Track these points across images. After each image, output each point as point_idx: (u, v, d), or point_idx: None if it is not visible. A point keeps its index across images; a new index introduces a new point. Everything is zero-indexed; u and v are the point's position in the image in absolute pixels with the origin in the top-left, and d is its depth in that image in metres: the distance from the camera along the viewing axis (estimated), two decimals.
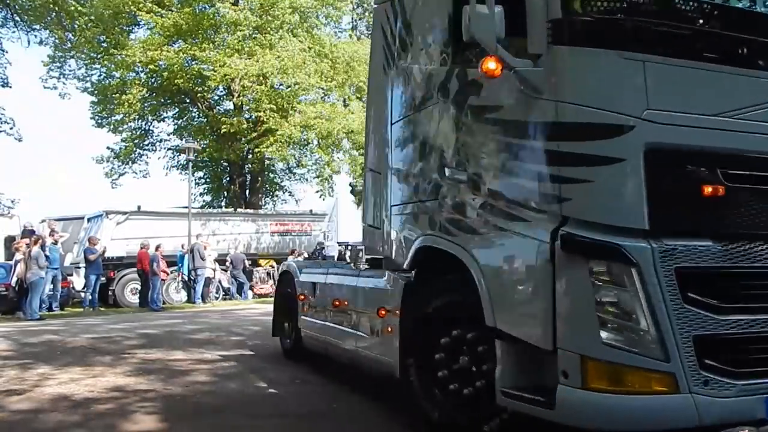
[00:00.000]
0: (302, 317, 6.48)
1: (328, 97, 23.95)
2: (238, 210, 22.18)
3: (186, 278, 17.10)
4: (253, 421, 4.42)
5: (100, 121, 24.32)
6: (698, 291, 2.84)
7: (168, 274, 16.80)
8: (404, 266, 4.27)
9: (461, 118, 3.67)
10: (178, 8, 21.43)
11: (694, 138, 2.95)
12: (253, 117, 22.75)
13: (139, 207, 17.67)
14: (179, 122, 25.65)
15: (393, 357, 4.24)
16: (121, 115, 23.37)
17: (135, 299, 16.47)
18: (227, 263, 18.58)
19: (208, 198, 27.06)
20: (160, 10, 21.06)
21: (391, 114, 4.63)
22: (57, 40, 23.19)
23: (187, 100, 24.52)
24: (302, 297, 6.50)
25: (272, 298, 19.14)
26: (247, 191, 25.58)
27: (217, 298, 17.75)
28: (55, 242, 14.34)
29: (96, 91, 23.71)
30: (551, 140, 3.04)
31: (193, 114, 25.49)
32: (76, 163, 74.05)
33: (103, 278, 15.56)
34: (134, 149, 25.11)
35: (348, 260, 21.18)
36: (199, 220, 19.09)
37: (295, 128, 20.94)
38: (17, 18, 22.32)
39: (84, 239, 16.23)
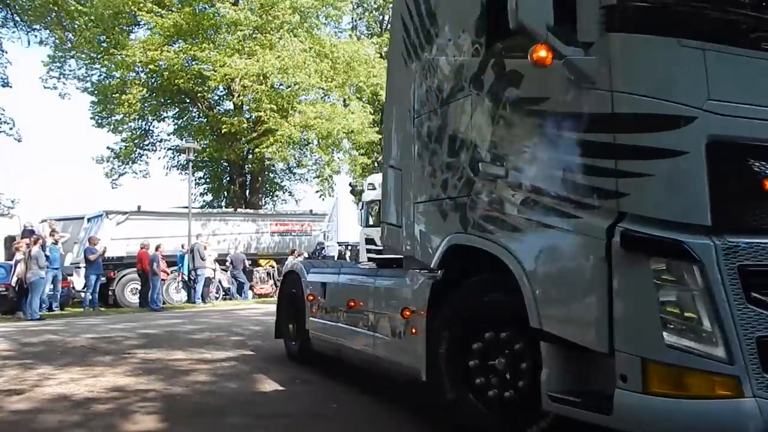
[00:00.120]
0: (311, 319, 6.28)
1: (328, 97, 23.95)
2: (238, 210, 22.19)
3: (186, 278, 17.10)
4: (253, 422, 4.41)
5: (100, 121, 24.34)
6: (762, 290, 2.71)
7: (168, 274, 16.80)
8: (431, 265, 4.10)
9: (498, 110, 3.50)
10: (178, 8, 21.43)
11: (757, 130, 2.82)
12: (253, 117, 22.76)
13: (139, 207, 17.66)
14: (179, 122, 25.69)
15: (418, 359, 4.09)
16: (121, 115, 23.38)
17: (135, 299, 16.47)
18: (227, 263, 18.59)
19: (208, 198, 27.13)
20: (160, 10, 21.06)
21: (414, 108, 4.47)
22: (57, 40, 23.22)
23: (187, 100, 24.52)
24: (311, 298, 6.29)
25: (272, 298, 19.26)
26: (247, 191, 25.59)
27: (217, 298, 17.76)
28: (56, 242, 14.35)
29: (96, 91, 23.72)
30: (606, 132, 2.89)
31: (193, 114, 25.51)
32: (76, 163, 74.12)
33: (103, 278, 15.55)
34: (134, 149, 25.12)
35: (348, 260, 21.25)
36: (199, 220, 19.10)
37: (295, 128, 20.94)
38: (17, 18, 22.32)
39: (84, 239, 16.23)
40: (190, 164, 20.34)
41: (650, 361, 2.68)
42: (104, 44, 22.45)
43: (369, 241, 16.44)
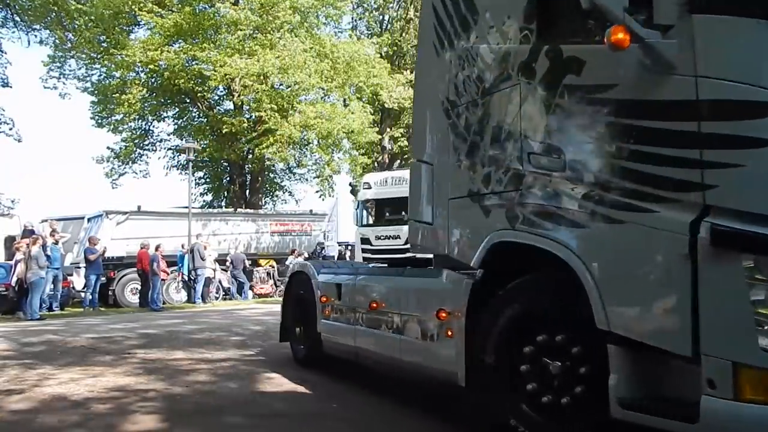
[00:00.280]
0: (323, 321, 6.03)
1: (328, 97, 23.96)
2: (239, 210, 22.19)
3: (186, 278, 17.11)
4: (253, 421, 4.41)
5: (100, 121, 24.35)
6: None
7: (168, 274, 16.81)
8: (471, 264, 3.86)
9: (554, 100, 3.28)
10: (179, 8, 21.44)
11: None
12: (254, 117, 22.77)
13: (139, 207, 17.67)
14: (179, 122, 25.71)
15: (455, 364, 3.88)
16: (121, 115, 23.39)
17: (135, 299, 16.48)
18: (227, 263, 18.60)
19: (208, 198, 27.15)
20: (160, 10, 21.07)
21: (448, 99, 4.23)
22: (57, 40, 23.21)
23: (187, 100, 24.53)
24: (324, 299, 6.03)
25: (272, 298, 19.29)
26: (247, 191, 25.60)
27: (217, 298, 17.77)
28: (56, 242, 14.35)
29: (96, 91, 23.73)
30: (690, 120, 2.67)
31: (193, 114, 25.53)
32: (76, 163, 74.18)
33: (103, 278, 15.57)
34: (134, 149, 25.14)
35: (348, 260, 21.23)
36: (200, 220, 19.10)
37: (295, 128, 20.95)
38: (17, 18, 22.32)
39: (84, 239, 16.24)
40: (190, 164, 20.35)
41: (742, 365, 2.50)
42: (104, 44, 22.45)
43: (364, 240, 16.44)
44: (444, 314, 4.05)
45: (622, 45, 2.70)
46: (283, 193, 28.59)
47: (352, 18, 28.19)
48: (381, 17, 28.91)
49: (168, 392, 5.30)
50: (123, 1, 20.93)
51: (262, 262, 20.30)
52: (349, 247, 23.59)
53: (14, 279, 13.39)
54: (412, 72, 25.78)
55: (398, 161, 27.88)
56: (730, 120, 2.61)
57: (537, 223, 3.37)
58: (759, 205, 2.55)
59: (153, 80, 23.06)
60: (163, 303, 15.92)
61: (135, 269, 16.08)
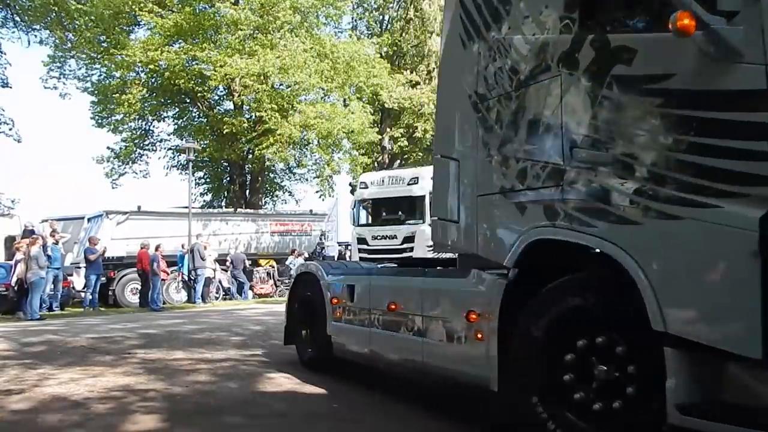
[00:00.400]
0: (334, 324, 5.83)
1: (328, 97, 23.97)
2: (239, 210, 22.20)
3: (186, 278, 17.11)
4: (254, 421, 4.41)
5: (100, 121, 24.38)
6: None
7: (168, 274, 16.81)
8: (505, 263, 3.69)
9: (600, 91, 3.13)
10: (179, 8, 21.45)
11: None
12: (254, 117, 22.78)
13: (139, 207, 17.68)
14: (179, 122, 25.74)
15: (486, 367, 3.73)
16: (121, 115, 23.43)
17: (135, 299, 16.49)
18: (227, 263, 18.60)
19: (208, 198, 27.17)
20: (160, 10, 21.08)
21: (476, 92, 4.06)
22: (57, 40, 23.22)
23: (188, 100, 24.55)
24: (335, 301, 5.81)
25: (273, 298, 19.29)
26: (247, 191, 25.62)
27: (217, 298, 17.77)
28: (56, 242, 14.36)
29: (96, 91, 23.75)
30: (761, 111, 2.52)
31: (193, 114, 25.56)
32: (76, 163, 74.21)
33: (103, 278, 15.57)
34: (134, 149, 25.17)
35: (348, 260, 21.25)
36: (200, 220, 19.11)
37: (295, 128, 20.95)
38: (17, 18, 22.32)
39: (84, 239, 16.24)
40: (190, 164, 20.36)
41: None
42: (104, 44, 22.47)
43: (361, 240, 16.41)
44: (474, 316, 3.87)
45: (688, 31, 2.58)
46: (283, 193, 28.66)
47: (352, 18, 28.25)
48: (381, 17, 28.92)
49: (168, 392, 5.29)
50: (123, 1, 20.95)
51: (262, 262, 20.31)
52: (349, 247, 23.59)
53: (14, 279, 13.39)
54: (412, 72, 25.87)
55: (398, 161, 27.90)
56: None
57: (581, 220, 3.20)
58: None
59: (153, 80, 23.09)
60: (163, 303, 15.92)
61: (135, 269, 16.08)
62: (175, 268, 17.22)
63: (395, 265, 6.44)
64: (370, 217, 17.10)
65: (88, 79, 23.96)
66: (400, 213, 16.17)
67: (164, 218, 18.33)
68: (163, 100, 24.39)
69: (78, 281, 15.94)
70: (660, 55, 2.85)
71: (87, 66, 23.80)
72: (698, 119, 2.73)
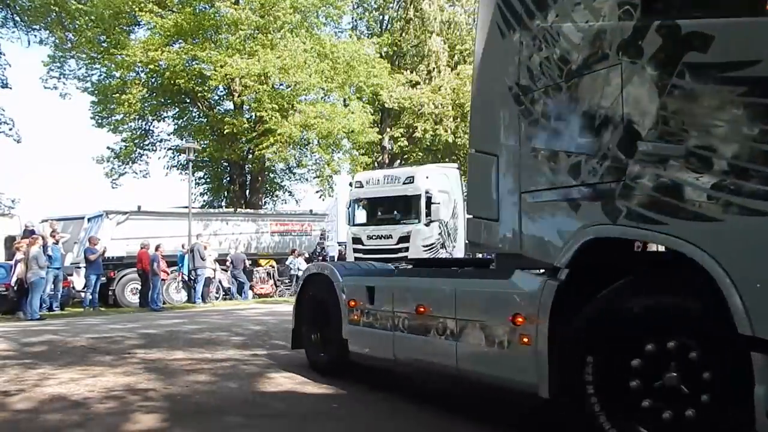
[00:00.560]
0: (350, 327, 5.58)
1: (328, 97, 23.99)
2: (239, 210, 22.21)
3: (186, 278, 17.11)
4: (253, 421, 4.41)
5: (100, 121, 24.40)
6: None
7: (168, 274, 16.81)
8: (557, 263, 3.48)
9: (670, 80, 2.93)
10: (179, 8, 21.45)
11: None
12: (254, 117, 22.79)
13: (139, 207, 17.68)
14: (179, 122, 25.77)
15: (533, 374, 3.53)
16: (121, 115, 23.45)
17: (135, 299, 16.49)
18: (227, 263, 18.60)
19: (208, 198, 27.17)
20: (160, 10, 21.08)
21: (518, 84, 3.87)
22: (57, 40, 23.23)
23: (188, 100, 24.56)
24: (352, 303, 5.55)
25: (272, 298, 19.27)
26: (247, 191, 25.63)
27: (217, 298, 17.77)
28: (56, 242, 14.36)
29: (96, 91, 23.77)
30: None
31: (193, 114, 25.58)
32: (76, 163, 74.25)
33: (103, 278, 15.57)
34: (134, 149, 25.19)
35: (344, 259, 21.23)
36: (200, 220, 19.11)
37: (295, 128, 20.96)
38: (17, 18, 22.33)
39: (84, 239, 16.24)
40: (190, 164, 20.36)
41: None
42: (104, 44, 22.49)
43: (356, 240, 16.39)
44: (521, 319, 3.65)
45: None
46: (283, 193, 28.68)
47: (352, 18, 28.28)
48: (381, 17, 28.94)
49: (168, 392, 5.29)
50: (123, 1, 20.95)
51: (262, 262, 20.32)
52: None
53: (14, 279, 13.39)
54: (412, 72, 25.88)
55: (398, 161, 27.91)
56: None
57: (648, 218, 3.00)
58: None
59: (153, 80, 23.11)
60: (163, 303, 15.92)
61: (135, 269, 16.08)
62: (175, 268, 17.22)
63: (411, 266, 6.23)
64: (365, 217, 17.06)
65: (88, 79, 24.02)
66: (395, 212, 16.15)
67: (164, 218, 18.34)
68: (163, 100, 24.41)
69: (78, 281, 15.94)
70: (743, 42, 2.70)
71: (87, 66, 23.82)
72: None
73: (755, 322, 2.57)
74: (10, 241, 15.99)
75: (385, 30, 28.17)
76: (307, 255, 21.06)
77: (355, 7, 27.73)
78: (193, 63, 21.55)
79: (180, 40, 21.86)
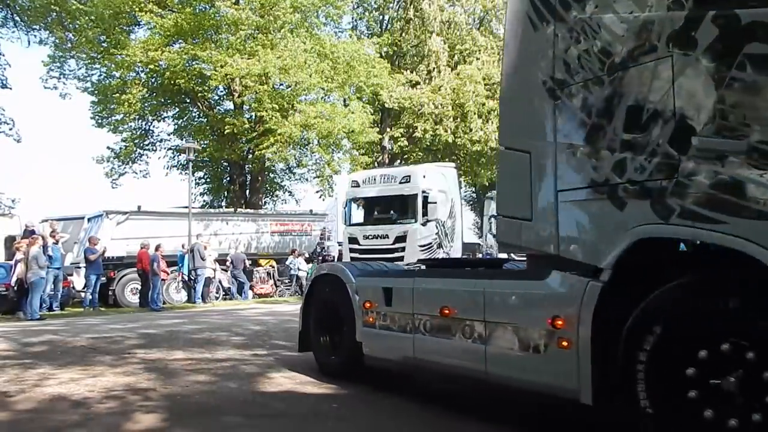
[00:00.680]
0: (365, 329, 5.39)
1: (329, 97, 23.99)
2: (239, 210, 22.22)
3: (186, 278, 17.12)
4: (253, 421, 4.41)
5: (100, 121, 24.42)
6: None
7: (168, 274, 16.82)
8: (602, 264, 3.33)
9: (729, 73, 2.81)
10: (179, 8, 21.45)
11: None
12: (254, 117, 22.80)
13: (139, 207, 17.70)
14: (179, 122, 25.79)
15: (574, 379, 3.37)
16: (121, 115, 23.47)
17: (135, 299, 16.50)
18: (227, 263, 18.61)
19: (208, 198, 27.18)
20: (160, 10, 21.08)
21: (553, 77, 3.73)
22: (57, 40, 23.24)
23: (188, 100, 24.58)
24: (367, 305, 5.38)
25: (272, 298, 19.26)
26: (247, 191, 25.64)
27: (217, 298, 17.78)
28: (56, 242, 14.36)
29: (96, 91, 23.78)
30: None
31: (194, 114, 25.59)
32: (76, 163, 74.27)
33: (103, 278, 15.59)
34: (134, 149, 25.21)
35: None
36: (200, 220, 19.12)
37: (295, 128, 20.97)
38: (17, 18, 22.33)
39: (84, 239, 16.25)
40: (190, 164, 20.37)
41: None
42: (104, 44, 22.50)
43: (352, 240, 16.35)
44: (560, 322, 3.49)
45: None
46: (283, 193, 28.68)
47: (352, 18, 28.28)
48: (381, 17, 28.95)
49: (168, 392, 5.29)
50: (123, 1, 20.95)
51: (262, 262, 20.33)
52: None
53: (14, 279, 13.39)
54: (412, 72, 25.88)
55: (398, 161, 27.91)
56: None
57: (704, 216, 2.86)
58: None
59: (153, 80, 23.13)
60: (163, 303, 15.93)
61: (135, 269, 16.09)
62: (175, 268, 17.24)
63: (423, 267, 6.08)
64: (362, 217, 17.03)
65: (88, 79, 24.03)
66: (391, 212, 16.11)
67: (164, 218, 18.35)
68: (163, 100, 24.43)
69: (78, 281, 15.95)
70: None
71: (87, 66, 23.83)
72: None
73: None
74: (10, 241, 16.00)
75: (385, 30, 28.17)
76: (307, 255, 21.08)
77: (355, 7, 27.74)
78: (193, 63, 21.56)
79: (180, 40, 21.87)
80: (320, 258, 21.25)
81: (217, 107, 25.34)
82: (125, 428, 4.22)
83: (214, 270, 17.55)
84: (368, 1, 28.65)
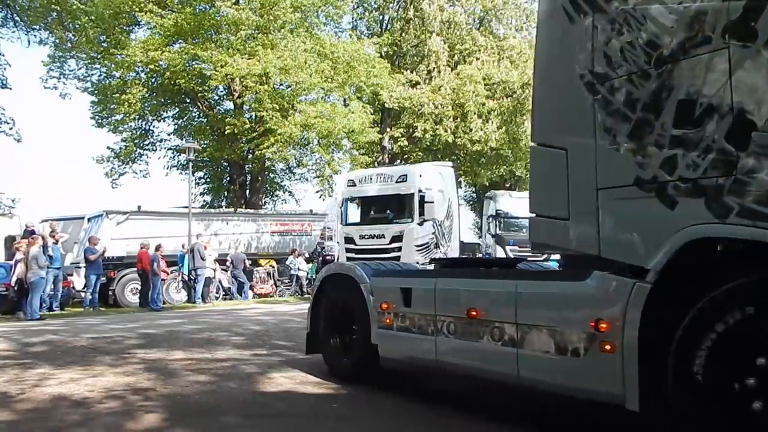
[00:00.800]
0: (381, 331, 5.22)
1: (329, 97, 23.99)
2: (239, 210, 22.22)
3: (186, 278, 17.12)
4: (253, 421, 4.41)
5: (100, 121, 24.42)
6: None
7: (168, 274, 16.82)
8: (650, 265, 3.18)
9: None
10: (179, 8, 21.45)
11: None
12: (254, 117, 22.80)
13: (139, 207, 17.70)
14: (179, 122, 25.79)
15: (617, 383, 3.24)
16: (121, 115, 23.47)
17: (135, 299, 16.50)
18: (227, 263, 18.61)
19: (208, 198, 27.19)
20: (160, 10, 21.08)
21: (592, 71, 3.59)
22: (57, 40, 23.24)
23: (188, 100, 24.57)
24: (384, 306, 5.18)
25: (272, 298, 19.26)
26: (247, 191, 25.64)
27: (217, 298, 17.78)
28: (56, 242, 14.37)
29: (96, 91, 23.79)
30: None
31: (194, 114, 25.59)
32: (76, 163, 74.30)
33: (103, 278, 15.60)
34: (134, 149, 25.21)
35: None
36: (200, 220, 19.12)
37: (296, 128, 20.97)
38: (17, 18, 22.33)
39: (84, 239, 16.26)
40: (190, 164, 20.37)
41: None
42: (104, 44, 22.50)
43: (348, 240, 16.31)
44: (604, 325, 3.33)
45: None
46: (283, 193, 28.68)
47: (352, 18, 28.28)
48: (381, 17, 28.95)
49: (168, 392, 5.29)
50: (123, 1, 20.95)
51: (263, 262, 20.34)
52: None
53: (14, 279, 13.39)
54: (412, 72, 25.87)
55: (398, 161, 27.91)
56: None
57: (766, 215, 2.73)
58: None
59: (153, 80, 23.13)
60: (163, 303, 15.93)
61: (135, 269, 16.10)
62: (175, 268, 17.24)
63: (438, 266, 5.91)
64: (358, 216, 16.98)
65: (88, 79, 24.03)
66: (388, 212, 16.05)
67: (164, 218, 18.35)
68: (163, 100, 24.43)
69: (78, 281, 15.96)
70: None
71: (87, 66, 23.84)
72: None
73: None
74: (10, 241, 16.01)
75: (385, 30, 28.17)
76: (307, 255, 21.08)
77: (355, 7, 27.74)
78: (194, 63, 21.56)
79: (180, 40, 21.87)
80: (320, 258, 21.23)
81: (217, 107, 25.35)
82: (125, 428, 4.22)
83: (214, 270, 17.55)
84: (368, 1, 28.65)
